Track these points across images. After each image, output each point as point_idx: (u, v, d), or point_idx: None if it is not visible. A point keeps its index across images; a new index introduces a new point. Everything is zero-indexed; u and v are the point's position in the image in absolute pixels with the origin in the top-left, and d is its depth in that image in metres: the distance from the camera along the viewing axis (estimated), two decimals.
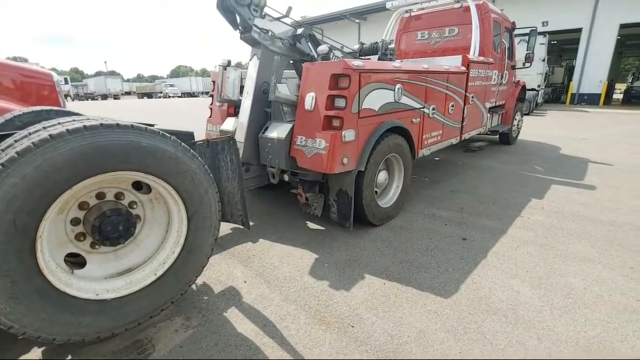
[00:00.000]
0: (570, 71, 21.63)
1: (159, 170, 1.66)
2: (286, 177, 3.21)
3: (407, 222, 3.46)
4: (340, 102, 2.76)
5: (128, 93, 51.94)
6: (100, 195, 1.72)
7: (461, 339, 1.90)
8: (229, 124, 3.76)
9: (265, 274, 2.57)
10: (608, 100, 20.16)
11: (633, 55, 34.25)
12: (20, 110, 2.84)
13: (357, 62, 2.80)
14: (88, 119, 1.63)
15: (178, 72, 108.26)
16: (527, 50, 6.80)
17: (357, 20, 27.65)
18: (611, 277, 2.46)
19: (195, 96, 47.04)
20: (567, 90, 20.75)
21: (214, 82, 4.17)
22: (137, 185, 1.85)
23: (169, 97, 43.75)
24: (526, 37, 7.11)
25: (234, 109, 3.91)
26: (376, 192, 3.30)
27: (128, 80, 79.66)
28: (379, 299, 2.27)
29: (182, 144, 1.76)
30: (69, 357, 1.77)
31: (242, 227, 2.51)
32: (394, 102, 3.23)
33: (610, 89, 20.68)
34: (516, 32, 6.73)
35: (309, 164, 2.87)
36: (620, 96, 23.65)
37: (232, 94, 3.72)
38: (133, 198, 1.83)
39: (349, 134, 2.77)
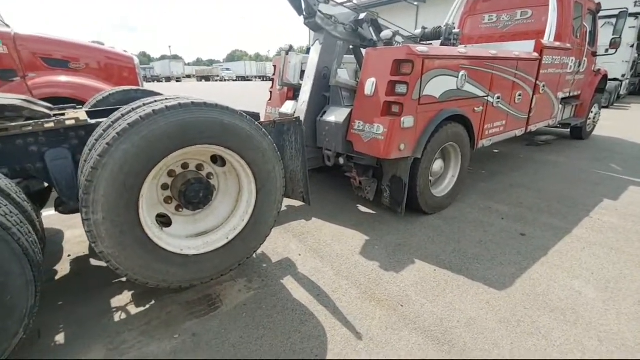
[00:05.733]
0: None
1: (236, 146, 1.85)
2: (341, 161, 3.31)
3: (461, 213, 3.39)
4: (401, 88, 2.76)
5: (188, 76, 55.33)
6: (184, 166, 1.97)
7: (514, 331, 1.89)
8: (287, 107, 3.92)
9: (319, 250, 2.73)
10: None
11: None
12: (113, 89, 3.26)
13: (421, 48, 2.76)
14: (179, 97, 1.86)
15: (234, 57, 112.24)
16: (613, 34, 6.05)
17: (415, 3, 26.32)
18: None
19: (249, 80, 48.69)
20: None
21: (275, 66, 4.35)
22: (214, 159, 2.08)
23: (225, 80, 45.88)
24: (612, 20, 6.31)
25: (293, 92, 4.06)
26: (430, 180, 3.27)
27: (189, 64, 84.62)
28: (429, 283, 2.31)
29: (256, 122, 1.93)
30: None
31: (302, 203, 2.67)
32: (457, 89, 3.14)
33: None
34: (602, 13, 6.02)
35: (366, 149, 2.93)
36: None
37: (292, 78, 3.87)
38: (210, 170, 2.07)
39: (408, 121, 2.78)
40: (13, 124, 1.88)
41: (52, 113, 2.34)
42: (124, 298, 2.15)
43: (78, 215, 2.32)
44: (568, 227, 3.12)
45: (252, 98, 16.75)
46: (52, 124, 1.92)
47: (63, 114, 2.48)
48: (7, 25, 4.24)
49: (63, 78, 4.25)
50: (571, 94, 5.69)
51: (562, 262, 2.57)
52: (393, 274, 2.42)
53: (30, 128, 1.86)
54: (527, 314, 2.03)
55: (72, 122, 1.96)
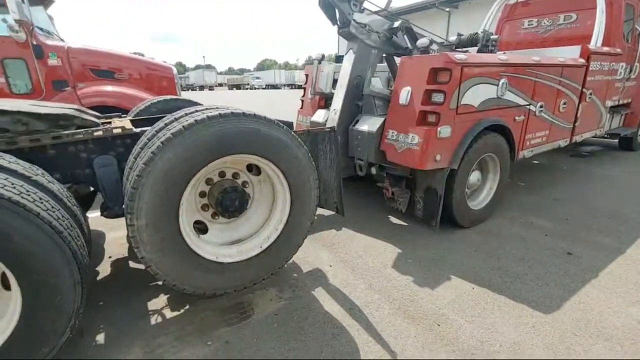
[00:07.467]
0: None
1: (272, 155, 1.86)
2: (373, 170, 3.25)
3: (500, 228, 3.22)
4: (438, 97, 2.68)
5: (220, 85, 57.33)
6: (221, 174, 2.00)
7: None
8: (319, 116, 3.92)
9: (350, 261, 2.68)
10: None
11: None
12: (155, 98, 3.41)
13: (459, 56, 2.68)
14: (218, 107, 1.90)
15: (263, 65, 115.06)
16: None
17: (447, 9, 25.87)
18: None
19: (278, 88, 49.67)
20: None
21: (307, 75, 4.38)
22: (249, 167, 2.10)
23: (255, 88, 47.11)
24: None
25: (324, 101, 4.07)
26: (467, 192, 3.14)
27: (221, 73, 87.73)
28: (467, 302, 2.19)
29: (292, 132, 1.93)
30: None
31: (333, 212, 2.64)
32: (497, 97, 3.01)
33: None
34: None
35: (399, 159, 2.86)
36: None
37: (324, 87, 3.88)
38: (246, 178, 2.09)
39: (444, 131, 2.69)
40: (66, 132, 2.00)
41: (100, 122, 2.47)
42: (160, 301, 2.21)
43: (119, 218, 2.44)
44: (621, 246, 2.87)
45: (282, 105, 17.04)
46: (100, 132, 2.02)
47: (109, 122, 2.62)
48: (62, 40, 4.58)
49: (109, 88, 4.52)
50: (620, 102, 5.31)
51: (615, 285, 2.36)
52: (428, 290, 2.32)
53: (81, 136, 1.98)
54: (577, 341, 1.86)
55: (119, 130, 2.06)
